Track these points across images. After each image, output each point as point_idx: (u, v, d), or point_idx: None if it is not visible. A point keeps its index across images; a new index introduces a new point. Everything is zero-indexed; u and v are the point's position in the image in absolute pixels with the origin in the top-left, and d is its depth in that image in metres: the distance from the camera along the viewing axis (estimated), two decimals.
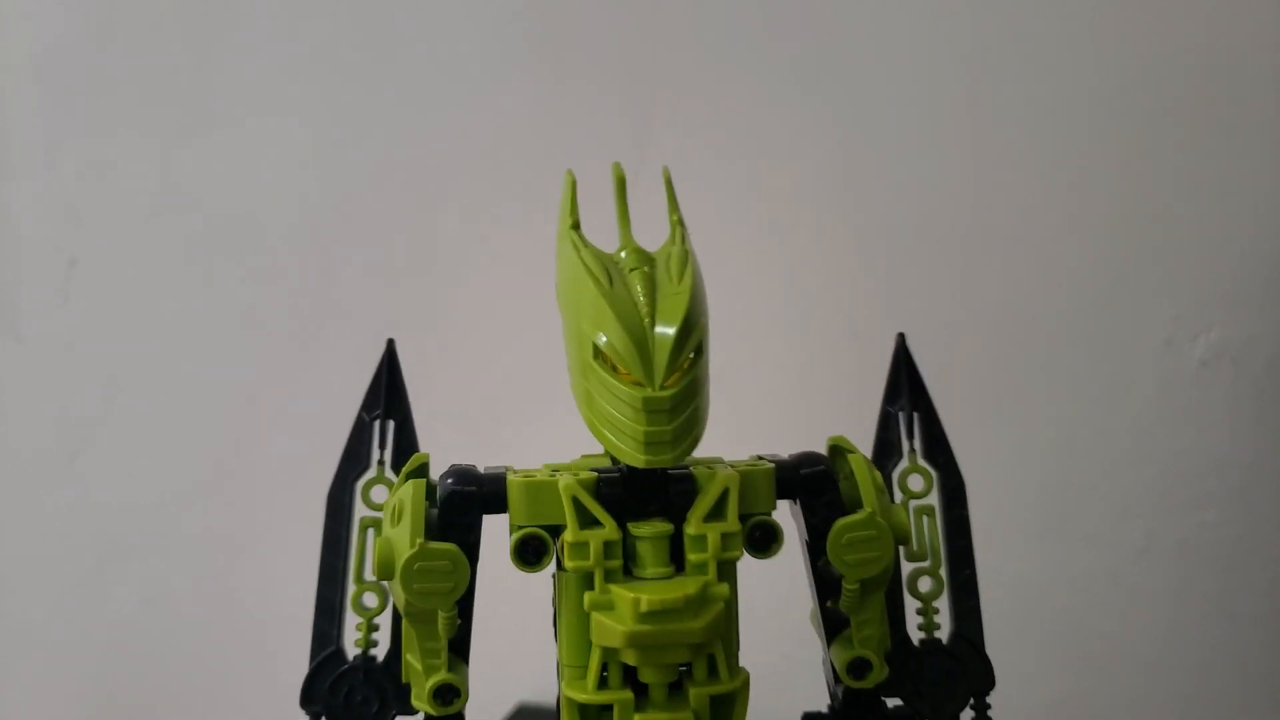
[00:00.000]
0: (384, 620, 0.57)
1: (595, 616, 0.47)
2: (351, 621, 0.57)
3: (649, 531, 0.48)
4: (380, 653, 0.57)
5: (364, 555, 0.57)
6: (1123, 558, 0.95)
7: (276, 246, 1.07)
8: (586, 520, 0.48)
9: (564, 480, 0.49)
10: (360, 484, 0.58)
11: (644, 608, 0.45)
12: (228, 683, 1.07)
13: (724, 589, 0.47)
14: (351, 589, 0.57)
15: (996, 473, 0.97)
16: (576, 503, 0.48)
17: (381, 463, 0.59)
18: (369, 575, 0.56)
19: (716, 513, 0.49)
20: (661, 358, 0.45)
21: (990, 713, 0.58)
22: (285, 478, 1.02)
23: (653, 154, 1.01)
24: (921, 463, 0.59)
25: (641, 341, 0.45)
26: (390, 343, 0.60)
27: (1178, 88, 0.94)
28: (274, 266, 1.07)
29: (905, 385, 0.59)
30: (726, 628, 0.48)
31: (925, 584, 0.58)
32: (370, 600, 0.57)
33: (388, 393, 0.59)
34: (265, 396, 1.07)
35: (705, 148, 1.01)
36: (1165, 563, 0.94)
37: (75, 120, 1.10)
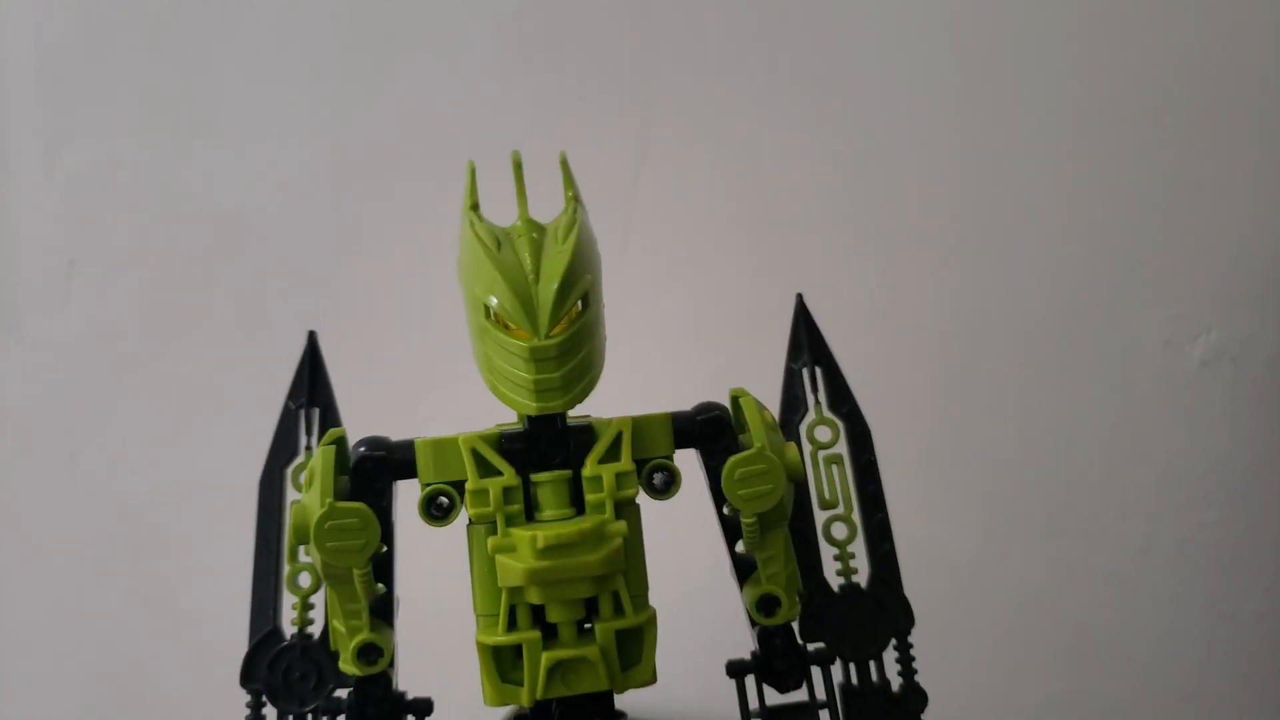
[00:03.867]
0: (319, 599, 0.58)
1: (498, 559, 0.49)
2: (288, 601, 0.59)
3: (548, 477, 0.51)
4: (316, 630, 0.58)
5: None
6: (1123, 558, 0.95)
7: (277, 247, 1.07)
8: (486, 470, 0.51)
9: (463, 435, 0.52)
10: (290, 470, 0.61)
11: (541, 544, 0.48)
12: (227, 681, 1.06)
13: (621, 526, 0.50)
14: (286, 569, 0.59)
15: (996, 472, 0.97)
16: (476, 454, 0.51)
17: (309, 448, 0.61)
18: (303, 556, 0.58)
19: (612, 455, 0.51)
20: (544, 310, 0.48)
21: (913, 651, 0.60)
22: None
23: (653, 152, 1.02)
24: (827, 414, 0.61)
25: (526, 297, 0.48)
26: (312, 334, 0.63)
27: (1177, 87, 0.94)
28: (275, 267, 1.07)
29: (806, 342, 0.62)
30: (630, 566, 0.51)
31: (840, 531, 0.60)
32: (304, 579, 0.59)
33: (311, 381, 0.63)
34: (265, 396, 1.07)
35: (704, 146, 1.01)
36: (1165, 563, 0.94)
37: (75, 120, 1.10)
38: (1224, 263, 0.93)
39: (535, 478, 0.51)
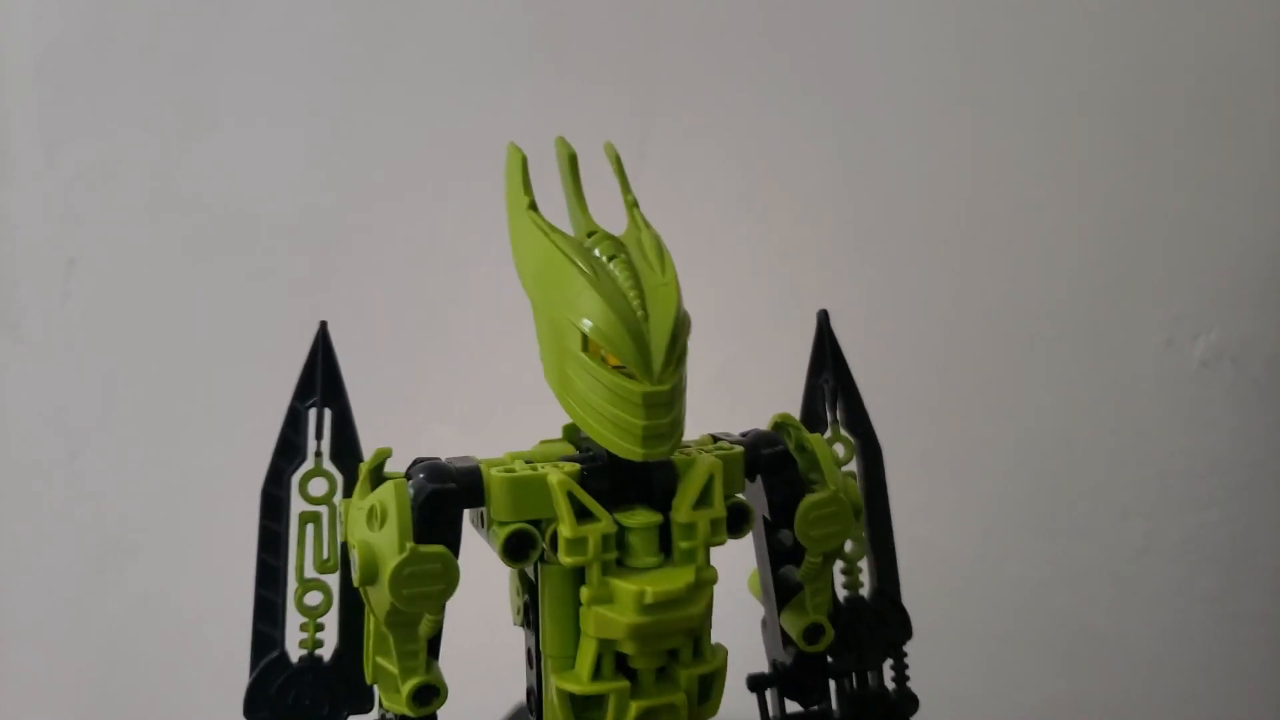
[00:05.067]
0: (329, 620, 0.55)
1: (596, 610, 0.47)
2: (294, 622, 0.55)
3: (639, 522, 0.49)
4: (327, 652, 0.55)
5: (305, 551, 0.55)
6: (1123, 558, 0.95)
7: (277, 246, 1.07)
8: (580, 514, 0.48)
9: (555, 476, 0.48)
10: (297, 477, 0.56)
11: (649, 600, 0.46)
12: (227, 683, 1.06)
13: (714, 574, 0.49)
14: (294, 587, 0.55)
15: (997, 472, 0.97)
16: (571, 497, 0.48)
17: (319, 454, 0.56)
18: (311, 572, 0.54)
19: (703, 500, 0.49)
20: (659, 352, 0.45)
21: (906, 660, 0.61)
22: None
23: (653, 151, 1.02)
24: (843, 432, 0.62)
25: (638, 334, 0.45)
26: (323, 325, 0.58)
27: (1178, 87, 0.94)
28: (275, 266, 1.07)
29: (829, 359, 0.63)
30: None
31: (848, 545, 0.61)
32: (314, 599, 0.55)
33: (323, 379, 0.57)
34: (266, 396, 1.07)
35: (704, 145, 1.01)
36: (1165, 563, 0.94)
37: (75, 120, 1.10)
38: (1224, 263, 0.93)
39: (625, 522, 0.48)
